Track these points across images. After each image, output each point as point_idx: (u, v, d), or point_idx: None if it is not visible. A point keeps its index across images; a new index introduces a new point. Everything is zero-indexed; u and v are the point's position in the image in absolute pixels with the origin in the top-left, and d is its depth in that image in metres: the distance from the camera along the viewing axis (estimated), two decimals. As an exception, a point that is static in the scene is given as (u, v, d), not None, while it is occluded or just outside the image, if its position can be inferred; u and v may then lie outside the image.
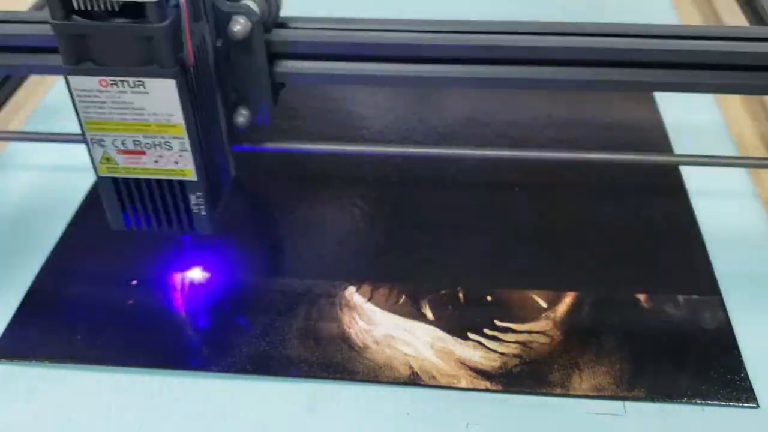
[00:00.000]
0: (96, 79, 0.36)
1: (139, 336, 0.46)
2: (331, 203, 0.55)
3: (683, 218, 0.53)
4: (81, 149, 0.59)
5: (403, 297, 0.48)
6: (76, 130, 0.39)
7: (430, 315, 0.47)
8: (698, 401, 0.41)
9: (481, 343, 0.45)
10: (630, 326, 0.45)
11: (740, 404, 0.41)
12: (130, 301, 0.48)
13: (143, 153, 0.39)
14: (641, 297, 0.47)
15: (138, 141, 0.39)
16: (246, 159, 0.58)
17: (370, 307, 0.47)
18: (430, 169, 0.58)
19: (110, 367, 0.44)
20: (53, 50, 0.38)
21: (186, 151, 0.39)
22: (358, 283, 0.49)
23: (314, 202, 0.55)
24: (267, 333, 0.45)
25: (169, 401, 0.42)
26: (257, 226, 0.53)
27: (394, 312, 0.47)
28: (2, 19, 0.44)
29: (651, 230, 0.52)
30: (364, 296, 0.48)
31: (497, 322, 0.46)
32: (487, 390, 0.42)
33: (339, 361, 0.44)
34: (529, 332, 0.45)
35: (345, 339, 0.45)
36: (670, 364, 0.43)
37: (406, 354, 0.44)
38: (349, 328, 0.46)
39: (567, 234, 0.52)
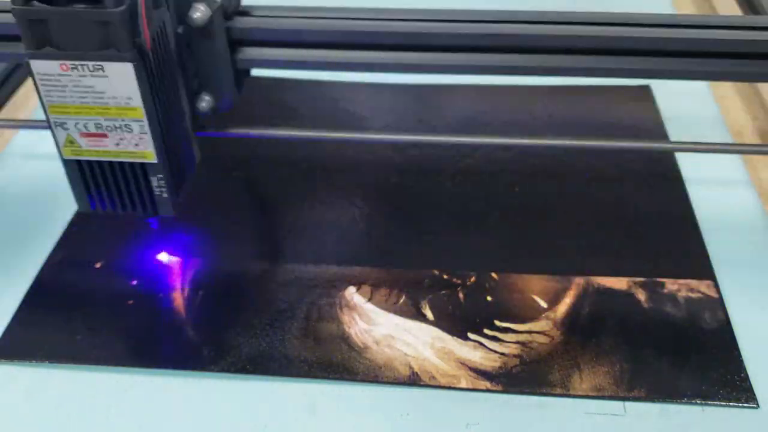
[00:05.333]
0: (57, 63, 0.37)
1: (139, 336, 0.46)
2: (330, 204, 0.55)
3: (679, 206, 0.53)
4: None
5: (403, 297, 0.48)
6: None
7: (430, 315, 0.47)
8: (698, 401, 0.41)
9: (481, 343, 0.45)
10: (630, 326, 0.45)
11: (740, 404, 0.41)
12: (130, 301, 0.48)
13: (105, 136, 0.40)
14: (641, 297, 0.47)
15: (99, 124, 0.40)
16: (243, 159, 0.59)
17: (370, 307, 0.47)
18: (429, 169, 0.58)
19: (110, 367, 0.44)
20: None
21: (146, 134, 0.40)
22: (358, 283, 0.49)
23: (314, 202, 0.55)
24: (267, 333, 0.46)
25: (169, 401, 0.42)
26: (257, 226, 0.53)
27: (394, 312, 0.47)
28: None
29: (648, 218, 0.53)
30: (364, 296, 0.48)
31: (497, 322, 0.46)
32: (487, 390, 0.42)
33: (339, 361, 0.44)
34: (529, 332, 0.45)
35: (345, 339, 0.45)
36: (670, 364, 0.43)
37: (406, 354, 0.44)
38: (349, 328, 0.46)
39: (565, 225, 0.53)
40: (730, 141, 0.60)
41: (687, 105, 0.63)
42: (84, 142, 0.41)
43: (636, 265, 0.49)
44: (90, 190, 0.43)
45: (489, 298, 0.48)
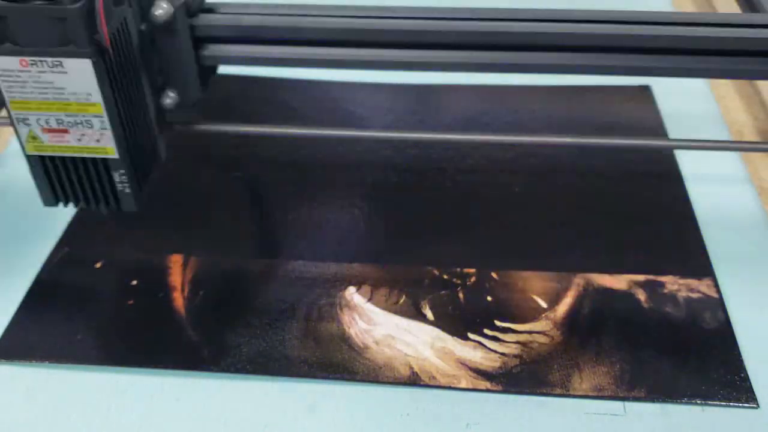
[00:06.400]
0: (16, 59, 0.38)
1: (139, 336, 0.46)
2: (331, 204, 0.55)
3: (679, 205, 0.54)
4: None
5: (403, 297, 0.48)
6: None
7: (430, 315, 0.47)
8: (698, 401, 0.41)
9: (481, 343, 0.45)
10: (630, 326, 0.46)
11: (740, 404, 0.41)
12: (130, 301, 0.48)
13: (66, 131, 0.41)
14: (641, 297, 0.47)
15: (61, 120, 0.40)
16: (243, 159, 0.59)
17: (370, 307, 0.47)
18: (430, 170, 0.58)
19: (110, 367, 0.44)
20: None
21: (106, 129, 0.40)
22: (358, 283, 0.49)
23: (314, 202, 0.55)
24: (267, 333, 0.46)
25: (169, 401, 0.42)
26: (257, 227, 0.54)
27: (394, 312, 0.47)
28: None
29: (648, 217, 0.53)
30: (364, 296, 0.48)
31: (497, 322, 0.46)
32: (487, 390, 0.42)
33: (339, 361, 0.44)
34: (529, 332, 0.45)
35: (345, 339, 0.45)
36: (670, 364, 0.43)
37: (406, 354, 0.44)
38: (349, 328, 0.46)
39: (565, 225, 0.53)
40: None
41: (687, 105, 0.63)
42: (46, 138, 0.41)
43: (636, 264, 0.49)
44: (54, 186, 0.43)
45: (489, 298, 0.48)
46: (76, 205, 0.44)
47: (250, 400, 0.42)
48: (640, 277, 0.48)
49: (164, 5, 0.41)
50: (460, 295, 0.48)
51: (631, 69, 0.44)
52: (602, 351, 0.44)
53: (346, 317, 0.47)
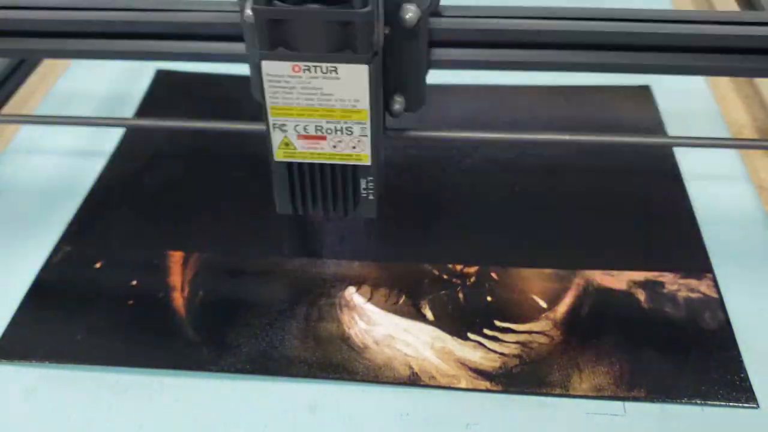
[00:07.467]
0: (289, 64, 0.37)
1: (139, 336, 0.46)
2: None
3: (678, 203, 0.54)
4: (89, 135, 0.61)
5: (403, 297, 0.48)
6: (86, 114, 0.39)
7: (430, 315, 0.47)
8: (698, 401, 0.41)
9: (481, 343, 0.45)
10: (630, 326, 0.46)
11: (740, 404, 0.41)
12: (130, 301, 0.48)
13: (323, 138, 0.40)
14: (641, 297, 0.47)
15: (320, 126, 0.39)
16: (243, 159, 0.59)
17: (370, 307, 0.47)
18: (430, 169, 0.58)
19: (110, 367, 0.44)
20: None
21: (366, 136, 0.39)
22: (358, 283, 0.49)
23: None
24: (267, 333, 0.46)
25: (169, 401, 0.42)
26: (257, 226, 0.53)
27: (394, 312, 0.47)
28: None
29: (647, 215, 0.53)
30: (364, 296, 0.48)
31: (497, 322, 0.46)
32: (487, 390, 0.42)
33: (339, 361, 0.44)
34: (529, 332, 0.45)
35: (345, 339, 0.45)
36: (670, 364, 0.43)
37: (406, 354, 0.44)
38: (349, 328, 0.46)
39: (565, 224, 0.53)
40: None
41: (687, 105, 0.63)
42: (300, 144, 0.40)
43: (635, 263, 0.49)
44: (294, 192, 0.43)
45: (489, 298, 0.48)
46: (314, 210, 0.43)
47: (250, 400, 0.42)
48: (640, 277, 0.48)
49: (413, 8, 0.39)
50: (460, 295, 0.48)
51: (630, 66, 0.44)
52: (602, 351, 0.44)
53: (346, 317, 0.47)
